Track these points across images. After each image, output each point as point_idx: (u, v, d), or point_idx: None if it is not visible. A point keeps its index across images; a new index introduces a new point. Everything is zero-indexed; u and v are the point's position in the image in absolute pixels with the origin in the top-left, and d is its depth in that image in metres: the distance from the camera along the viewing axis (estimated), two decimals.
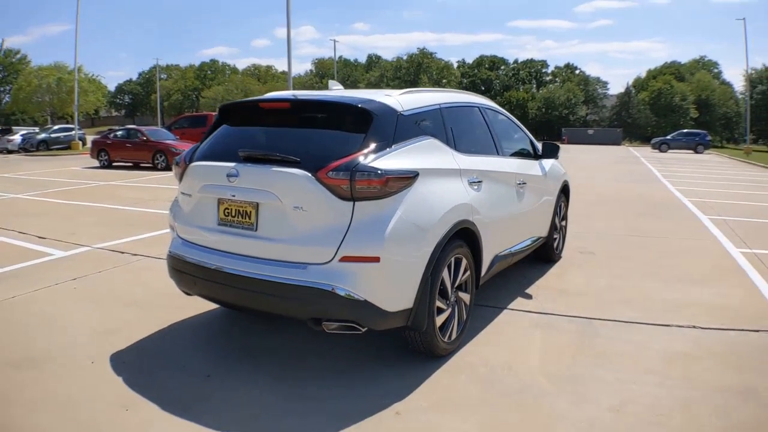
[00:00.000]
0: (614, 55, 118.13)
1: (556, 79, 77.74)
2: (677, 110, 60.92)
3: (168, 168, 18.47)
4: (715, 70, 71.31)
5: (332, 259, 3.30)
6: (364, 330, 3.37)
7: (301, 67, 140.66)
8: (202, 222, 3.84)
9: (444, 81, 64.45)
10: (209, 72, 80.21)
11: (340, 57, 63.24)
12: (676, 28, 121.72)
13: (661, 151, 41.09)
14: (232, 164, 3.64)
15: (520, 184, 5.13)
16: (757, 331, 4.40)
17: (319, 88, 61.34)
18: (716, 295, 5.32)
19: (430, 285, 3.56)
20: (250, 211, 3.58)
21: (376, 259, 3.27)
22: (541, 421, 3.12)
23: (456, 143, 4.22)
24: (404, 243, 3.38)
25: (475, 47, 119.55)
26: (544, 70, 79.67)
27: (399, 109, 3.76)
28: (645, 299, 5.19)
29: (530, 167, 5.59)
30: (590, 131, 60.88)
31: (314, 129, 3.85)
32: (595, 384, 3.55)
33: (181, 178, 4.06)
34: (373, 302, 3.28)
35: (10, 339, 4.21)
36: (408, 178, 3.45)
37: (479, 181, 4.27)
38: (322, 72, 67.57)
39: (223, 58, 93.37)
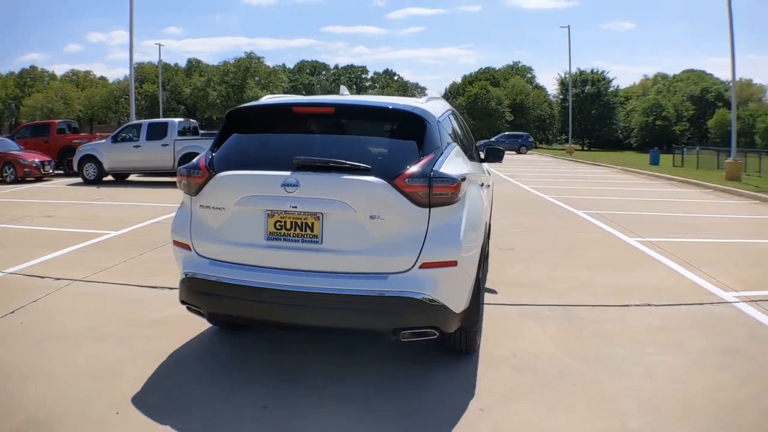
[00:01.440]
0: (425, 61, 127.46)
1: (376, 84, 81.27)
2: (494, 114, 67.19)
3: (19, 181, 17.07)
4: (529, 75, 79.77)
5: (413, 266, 3.37)
6: (437, 336, 3.50)
7: (118, 72, 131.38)
8: (242, 238, 3.59)
9: (271, 86, 64.20)
10: (29, 79, 72.13)
11: (160, 61, 59.94)
12: (485, 35, 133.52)
13: None
14: (287, 173, 3.47)
15: (484, 186, 5.64)
16: (701, 304, 5.39)
17: (138, 93, 58.79)
18: (645, 278, 6.33)
19: (477, 284, 3.83)
20: (313, 223, 3.46)
21: (454, 263, 3.42)
22: (604, 396, 3.57)
23: (465, 149, 4.58)
24: (470, 245, 3.60)
25: (288, 52, 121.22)
26: (364, 76, 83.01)
27: (436, 116, 3.94)
28: (589, 286, 6.01)
29: (485, 170, 6.13)
30: None
31: (362, 135, 3.87)
32: (614, 359, 4.12)
33: (198, 190, 3.77)
34: (448, 306, 3.43)
35: None
36: (463, 182, 3.67)
37: (483, 185, 4.67)
38: (141, 77, 63.62)
39: (38, 64, 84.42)
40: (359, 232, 3.41)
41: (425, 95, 4.56)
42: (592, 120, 63.90)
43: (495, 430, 3.17)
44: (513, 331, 4.70)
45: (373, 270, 3.39)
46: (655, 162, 28.72)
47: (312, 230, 3.46)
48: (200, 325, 4.55)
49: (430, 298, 3.35)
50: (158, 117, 36.81)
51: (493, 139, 48.44)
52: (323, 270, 3.43)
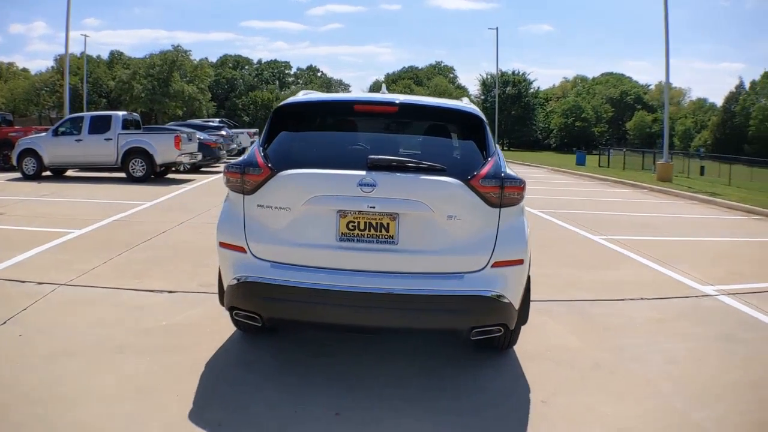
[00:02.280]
0: (344, 58, 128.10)
1: (299, 80, 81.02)
2: None
3: None
4: (451, 75, 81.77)
5: (486, 265, 3.54)
6: (501, 333, 3.73)
7: (38, 64, 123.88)
8: (310, 239, 3.54)
9: (197, 80, 62.72)
10: None
11: (84, 53, 57.00)
12: (405, 34, 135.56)
13: None
14: (362, 172, 3.47)
15: None
16: (687, 297, 6.04)
17: (60, 86, 55.37)
18: (627, 274, 7.00)
19: (528, 280, 4.01)
20: (388, 223, 3.49)
21: (521, 262, 3.66)
22: (641, 382, 4.02)
23: None
24: (529, 245, 3.85)
25: (207, 46, 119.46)
26: (287, 71, 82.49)
27: (485, 118, 4.12)
28: (580, 282, 6.54)
29: None
30: None
31: (425, 135, 3.96)
32: (635, 349, 4.59)
33: (255, 189, 3.64)
34: (513, 303, 3.65)
35: None
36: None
37: None
38: (62, 69, 60.59)
39: None
40: (437, 233, 3.52)
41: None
42: (512, 120, 66.64)
43: (565, 420, 3.48)
44: (534, 327, 5.04)
45: (450, 270, 3.52)
46: (581, 162, 30.46)
47: (387, 231, 3.50)
48: (216, 331, 4.54)
49: (502, 296, 3.54)
50: (81, 111, 35.14)
51: None
52: (399, 271, 3.50)
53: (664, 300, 5.92)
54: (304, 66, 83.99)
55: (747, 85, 66.24)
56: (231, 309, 3.78)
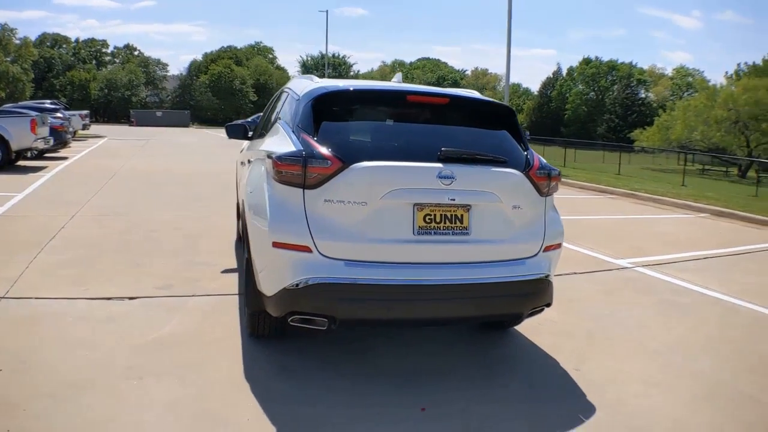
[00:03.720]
0: (156, 36, 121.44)
1: (116, 59, 75.30)
2: (238, 94, 66.90)
3: None
4: (270, 56, 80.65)
5: (539, 250, 3.90)
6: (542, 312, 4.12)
7: None
8: (386, 234, 3.51)
9: (21, 60, 54.92)
10: None
11: None
12: (217, 13, 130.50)
13: None
14: (438, 165, 3.56)
15: None
16: (610, 270, 7.10)
17: None
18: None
19: None
20: (462, 215, 3.63)
21: (560, 246, 4.12)
22: (633, 344, 4.72)
23: None
24: None
25: (22, 24, 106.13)
26: (104, 50, 76.26)
27: None
28: None
29: None
30: (159, 113, 61.92)
31: (472, 128, 4.12)
32: (610, 318, 5.32)
33: (321, 182, 3.48)
34: (553, 283, 4.10)
35: None
36: None
37: None
38: None
39: None
40: (504, 222, 3.77)
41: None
42: None
43: (607, 381, 4.01)
44: None
45: (514, 257, 3.80)
46: None
47: (462, 222, 3.63)
48: (221, 339, 4.31)
49: (551, 277, 3.97)
50: None
51: (250, 120, 48.30)
52: (471, 261, 3.66)
53: (594, 273, 6.86)
54: (121, 45, 77.54)
55: (564, 72, 74.07)
56: (293, 314, 3.52)
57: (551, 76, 75.19)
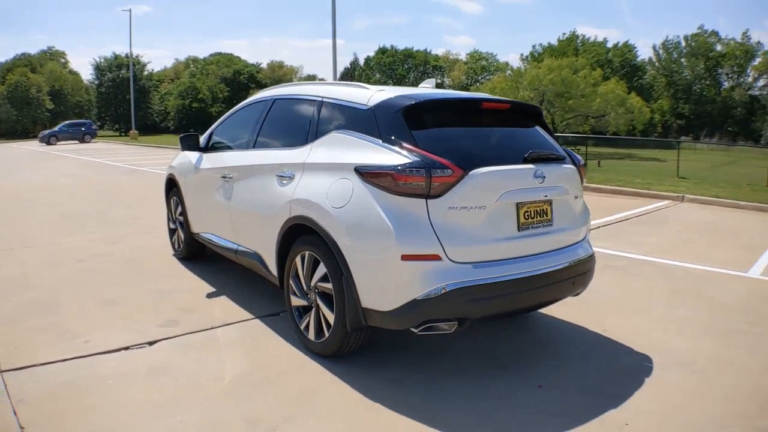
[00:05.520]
0: None
1: None
2: (34, 103, 61.56)
3: None
4: (63, 60, 74.42)
5: (587, 233, 4.65)
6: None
7: None
8: (498, 233, 3.88)
9: None
10: None
11: None
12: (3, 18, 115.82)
13: (50, 143, 43.12)
14: (532, 166, 4.07)
15: None
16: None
17: None
18: None
19: None
20: (546, 209, 4.15)
21: (590, 228, 4.84)
22: (645, 306, 5.71)
23: None
24: None
25: None
26: None
27: None
28: None
29: None
30: None
31: (526, 129, 4.59)
32: (603, 286, 5.82)
33: (444, 191, 3.66)
34: None
35: None
36: None
37: None
38: None
39: None
40: (571, 211, 4.41)
41: None
42: (127, 104, 63.64)
43: (636, 335, 4.89)
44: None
45: (578, 239, 4.45)
46: None
47: (547, 215, 4.16)
48: (296, 368, 4.20)
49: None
50: None
51: (56, 129, 46.37)
52: (554, 248, 4.18)
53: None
54: None
55: (362, 61, 75.65)
56: (426, 323, 3.65)
57: (349, 66, 76.24)
